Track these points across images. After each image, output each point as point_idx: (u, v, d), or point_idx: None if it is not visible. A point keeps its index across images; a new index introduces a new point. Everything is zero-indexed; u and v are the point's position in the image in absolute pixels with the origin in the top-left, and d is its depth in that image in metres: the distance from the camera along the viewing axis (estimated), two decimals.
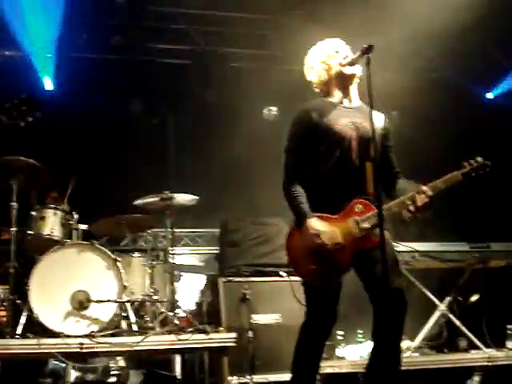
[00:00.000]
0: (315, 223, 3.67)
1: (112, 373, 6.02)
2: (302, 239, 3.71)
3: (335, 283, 3.75)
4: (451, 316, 6.40)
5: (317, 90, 4.06)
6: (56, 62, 7.89)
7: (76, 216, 5.81)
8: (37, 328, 5.08)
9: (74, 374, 5.62)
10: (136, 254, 6.07)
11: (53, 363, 5.55)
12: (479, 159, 3.77)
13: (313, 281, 3.74)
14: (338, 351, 6.11)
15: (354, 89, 3.96)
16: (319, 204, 3.75)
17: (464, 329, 6.33)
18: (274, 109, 6.70)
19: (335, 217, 3.73)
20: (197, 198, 6.13)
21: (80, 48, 7.90)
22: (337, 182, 3.77)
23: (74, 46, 7.87)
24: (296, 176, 3.83)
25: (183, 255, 8.08)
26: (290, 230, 3.83)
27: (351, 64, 3.84)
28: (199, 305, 6.46)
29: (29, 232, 5.59)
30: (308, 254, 3.67)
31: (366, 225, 3.68)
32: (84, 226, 5.87)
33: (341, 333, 6.15)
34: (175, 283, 5.82)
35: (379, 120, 3.90)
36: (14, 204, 5.39)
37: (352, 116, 3.86)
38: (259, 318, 5.72)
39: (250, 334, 5.53)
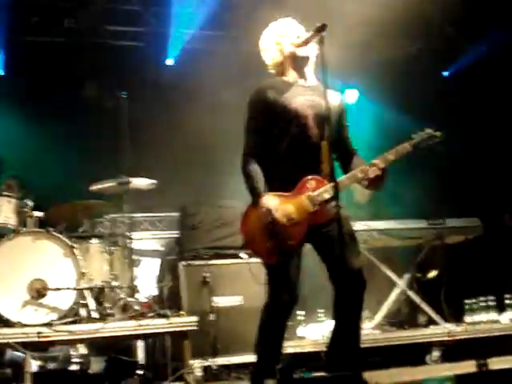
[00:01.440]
0: (268, 200, 3.69)
1: (73, 361, 5.97)
2: (256, 218, 3.72)
3: (290, 259, 3.75)
4: (410, 292, 6.49)
5: (272, 71, 4.05)
6: (7, 46, 7.71)
7: (31, 203, 5.70)
8: None
9: (34, 364, 5.54)
10: (94, 241, 5.98)
11: (10, 353, 5.47)
12: (428, 130, 3.86)
13: (268, 258, 3.74)
14: (299, 331, 6.14)
15: (309, 68, 3.95)
16: (276, 182, 3.77)
17: (423, 305, 6.43)
18: None
19: (288, 194, 3.74)
20: (154, 181, 6.08)
21: (32, 31, 7.73)
22: (293, 160, 3.78)
23: (25, 29, 7.70)
24: (253, 155, 3.82)
25: (143, 240, 8.02)
26: (245, 210, 3.83)
27: (305, 43, 3.82)
28: (160, 289, 6.43)
29: None
30: (263, 232, 3.68)
31: (319, 198, 3.71)
32: (39, 214, 5.77)
33: (301, 313, 6.19)
34: (135, 268, 5.77)
35: (335, 98, 3.91)
36: None
37: (308, 94, 3.86)
38: (220, 301, 5.73)
39: (212, 317, 5.53)
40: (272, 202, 3.68)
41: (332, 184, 3.62)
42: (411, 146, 3.80)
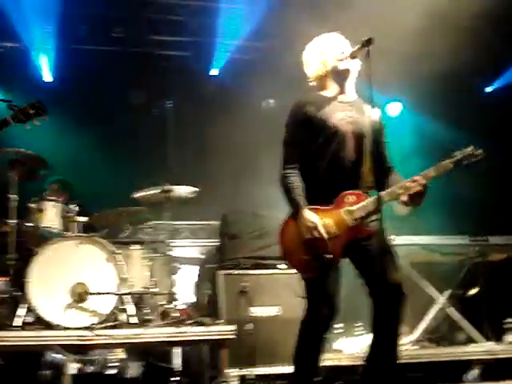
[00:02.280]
0: (311, 214, 3.69)
1: (111, 365, 6.02)
2: (295, 230, 3.73)
3: (328, 273, 3.74)
4: (451, 309, 6.40)
5: (312, 84, 4.06)
6: (56, 54, 7.88)
7: (75, 208, 5.80)
8: (36, 320, 5.09)
9: (73, 366, 5.61)
10: (136, 247, 6.05)
11: (50, 355, 5.55)
12: (469, 148, 3.82)
13: (305, 272, 3.74)
14: (336, 344, 6.11)
15: (350, 83, 3.97)
16: (314, 197, 3.77)
17: (463, 322, 6.34)
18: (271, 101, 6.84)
19: (327, 208, 3.75)
20: (197, 189, 6.13)
21: (80, 40, 7.89)
22: (331, 176, 3.78)
23: (74, 37, 7.86)
24: (292, 168, 3.84)
25: (184, 247, 8.08)
26: (284, 221, 3.84)
27: (351, 57, 3.84)
28: (198, 297, 6.45)
29: (28, 224, 5.59)
30: (301, 245, 3.69)
31: (359, 213, 3.70)
32: (83, 219, 5.87)
33: (339, 326, 6.16)
34: (175, 275, 5.81)
35: (374, 114, 3.90)
36: (13, 196, 5.39)
37: (347, 110, 3.88)
38: (258, 311, 5.72)
39: (250, 326, 5.53)
40: (315, 216, 3.68)
41: (371, 199, 3.62)
42: (452, 164, 3.78)
